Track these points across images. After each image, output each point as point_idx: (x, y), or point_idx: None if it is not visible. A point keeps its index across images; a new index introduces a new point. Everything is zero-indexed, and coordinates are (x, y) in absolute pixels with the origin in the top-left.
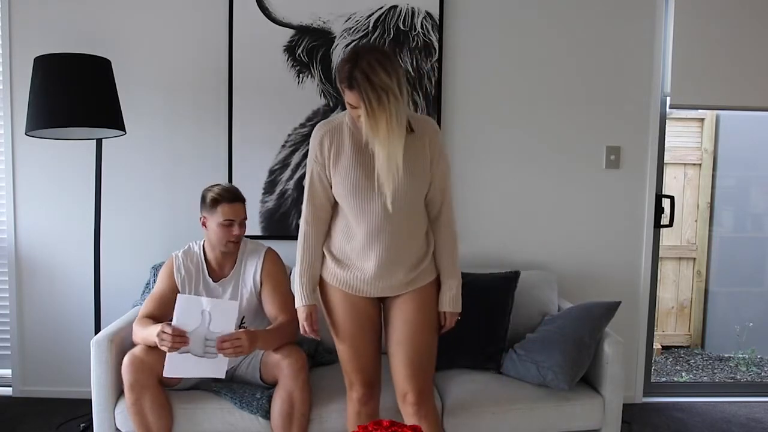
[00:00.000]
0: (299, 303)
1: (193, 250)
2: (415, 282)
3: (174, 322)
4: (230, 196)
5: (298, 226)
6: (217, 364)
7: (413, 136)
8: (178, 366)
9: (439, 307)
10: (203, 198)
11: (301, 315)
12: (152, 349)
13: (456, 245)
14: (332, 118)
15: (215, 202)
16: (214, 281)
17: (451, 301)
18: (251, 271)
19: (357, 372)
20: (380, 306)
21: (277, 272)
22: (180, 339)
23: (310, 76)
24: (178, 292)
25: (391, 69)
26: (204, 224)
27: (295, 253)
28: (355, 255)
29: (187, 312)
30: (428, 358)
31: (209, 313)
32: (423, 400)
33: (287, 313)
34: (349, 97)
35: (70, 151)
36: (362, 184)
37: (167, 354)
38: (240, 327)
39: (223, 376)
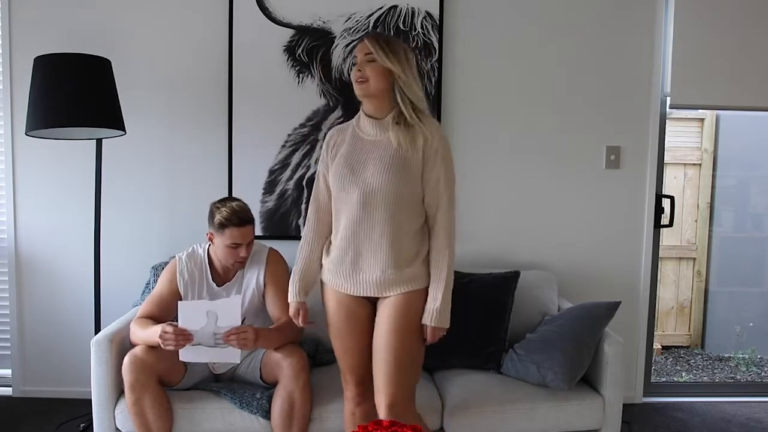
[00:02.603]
0: (290, 298)
1: (198, 253)
2: (403, 284)
3: (180, 325)
4: (238, 220)
5: (298, 226)
6: (231, 351)
7: (410, 132)
8: (192, 352)
9: (422, 319)
10: (211, 215)
11: (291, 310)
12: (153, 349)
13: (447, 256)
14: (345, 124)
15: (222, 226)
16: (218, 285)
17: (433, 314)
18: (255, 273)
19: (348, 371)
20: (373, 308)
21: (280, 273)
22: (183, 338)
23: (310, 76)
24: (180, 297)
25: (401, 51)
26: (210, 239)
27: (294, 252)
28: (340, 249)
29: (191, 316)
30: (407, 365)
31: (215, 312)
32: (395, 412)
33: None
34: (359, 48)
35: (70, 151)
36: (346, 173)
37: None
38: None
39: (239, 361)
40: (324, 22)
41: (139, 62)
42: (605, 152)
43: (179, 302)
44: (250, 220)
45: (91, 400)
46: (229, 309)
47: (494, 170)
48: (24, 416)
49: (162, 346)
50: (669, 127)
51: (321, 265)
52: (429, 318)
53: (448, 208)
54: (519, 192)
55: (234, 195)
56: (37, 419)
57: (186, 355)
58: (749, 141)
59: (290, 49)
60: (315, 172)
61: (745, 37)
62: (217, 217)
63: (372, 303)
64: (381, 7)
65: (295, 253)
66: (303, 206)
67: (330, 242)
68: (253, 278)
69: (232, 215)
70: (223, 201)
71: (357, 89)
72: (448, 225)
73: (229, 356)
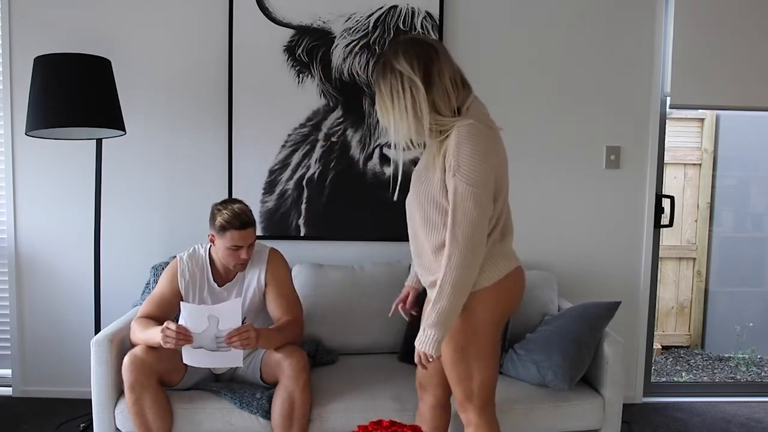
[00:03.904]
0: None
1: (199, 254)
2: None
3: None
4: (239, 223)
5: (298, 226)
6: (234, 355)
7: (441, 146)
8: (195, 356)
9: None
10: (212, 217)
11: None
12: (153, 349)
13: (443, 279)
14: None
15: (223, 229)
16: (219, 286)
17: (419, 334)
18: (256, 272)
19: None
20: None
21: (282, 273)
22: (184, 337)
23: (310, 76)
24: (181, 298)
25: (380, 80)
26: (212, 241)
27: (294, 252)
28: None
29: (193, 319)
30: (457, 370)
31: (216, 317)
32: (462, 417)
33: (290, 314)
34: None
35: (70, 151)
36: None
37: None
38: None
39: (241, 365)
40: (324, 22)
41: (139, 62)
42: (605, 152)
43: (182, 303)
44: (251, 223)
45: (91, 400)
46: (230, 312)
47: None
48: (24, 416)
49: (162, 344)
50: (669, 127)
51: None
52: (417, 338)
53: (454, 227)
54: (519, 192)
55: (234, 195)
56: (37, 419)
57: (189, 359)
58: (749, 141)
59: (290, 49)
60: (315, 172)
61: (745, 37)
62: (219, 220)
63: None
64: (381, 7)
65: (294, 253)
66: (303, 206)
67: None
68: (254, 278)
69: (234, 218)
70: (224, 203)
71: None
72: (450, 247)
73: (232, 360)
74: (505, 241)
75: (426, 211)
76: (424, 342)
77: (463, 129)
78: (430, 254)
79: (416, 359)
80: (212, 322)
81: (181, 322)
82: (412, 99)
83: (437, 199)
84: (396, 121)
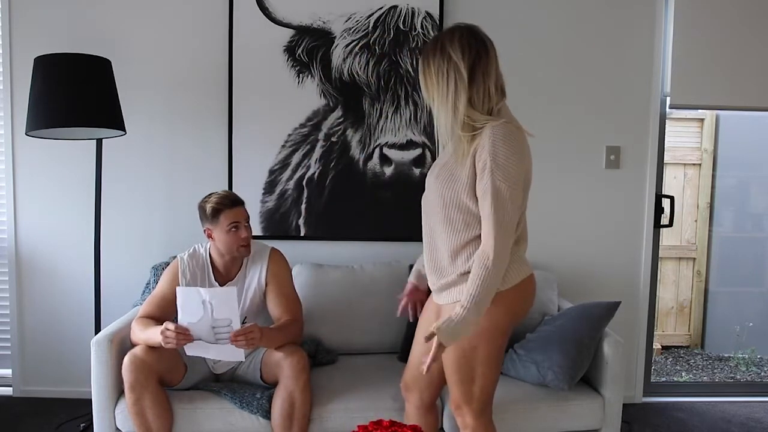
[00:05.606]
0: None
1: (199, 253)
2: (444, 295)
3: (179, 316)
4: (229, 202)
5: (298, 226)
6: (235, 349)
7: (472, 143)
8: (197, 347)
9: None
10: (202, 210)
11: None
12: (153, 349)
13: (475, 276)
14: None
15: (216, 212)
16: (220, 285)
17: (441, 323)
18: (257, 272)
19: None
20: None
21: (283, 272)
22: (184, 336)
23: (310, 76)
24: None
25: (424, 61)
26: (210, 236)
27: (294, 252)
28: None
29: (188, 304)
30: (459, 375)
31: (210, 302)
32: (458, 421)
33: (291, 313)
34: None
35: (70, 151)
36: (429, 173)
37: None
38: (242, 324)
39: (243, 359)
40: (324, 22)
41: (139, 62)
42: (605, 152)
43: (177, 288)
44: (240, 201)
45: (91, 400)
46: (224, 299)
47: None
48: (24, 416)
49: (163, 345)
50: (669, 127)
51: None
52: (439, 326)
53: (497, 227)
54: None
55: None
56: (37, 419)
57: (191, 349)
58: (749, 141)
59: (290, 49)
60: (315, 172)
61: (745, 37)
62: (209, 207)
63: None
64: (381, 7)
65: (295, 253)
66: (303, 206)
67: None
68: (255, 277)
69: (222, 199)
70: (207, 195)
71: None
72: (486, 246)
73: (234, 354)
74: (520, 246)
75: (448, 211)
76: (448, 332)
77: (499, 128)
78: (446, 257)
79: (433, 352)
80: (207, 309)
81: (178, 307)
82: (455, 86)
83: (462, 199)
84: (436, 101)
